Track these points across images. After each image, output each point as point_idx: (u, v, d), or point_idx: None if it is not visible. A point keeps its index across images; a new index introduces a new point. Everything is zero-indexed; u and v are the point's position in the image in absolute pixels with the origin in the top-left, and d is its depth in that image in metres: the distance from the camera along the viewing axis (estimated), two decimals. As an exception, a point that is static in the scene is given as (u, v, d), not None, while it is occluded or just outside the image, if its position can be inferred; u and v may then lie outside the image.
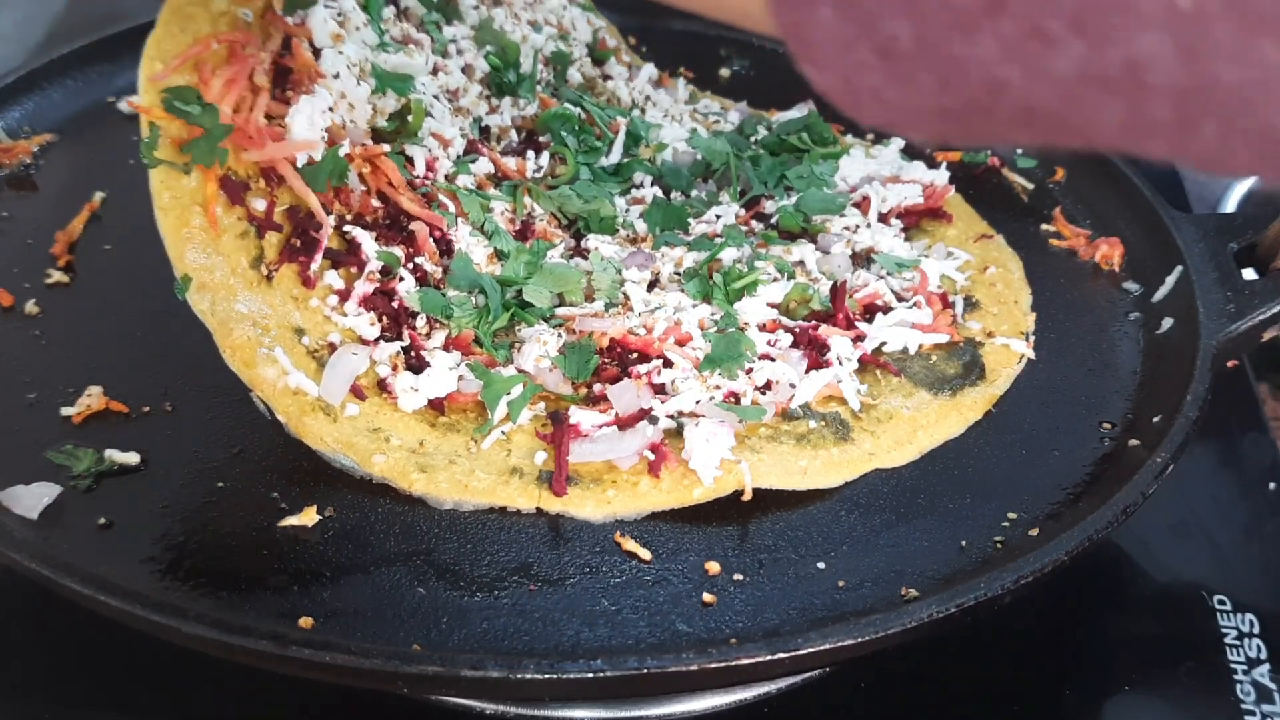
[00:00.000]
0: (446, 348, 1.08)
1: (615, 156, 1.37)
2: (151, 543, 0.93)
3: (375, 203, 1.14)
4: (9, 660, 0.99)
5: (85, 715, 0.96)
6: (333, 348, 1.06)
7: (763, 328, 1.14)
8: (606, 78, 1.53)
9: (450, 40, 1.35)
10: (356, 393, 1.04)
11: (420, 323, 1.09)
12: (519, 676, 0.80)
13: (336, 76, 1.13)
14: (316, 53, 1.14)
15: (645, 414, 1.03)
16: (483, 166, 1.26)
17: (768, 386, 1.08)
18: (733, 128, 1.51)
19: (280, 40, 1.14)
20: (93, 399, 1.05)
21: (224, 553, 0.93)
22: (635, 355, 1.08)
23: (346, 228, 1.13)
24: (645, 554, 0.96)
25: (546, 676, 0.80)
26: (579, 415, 1.03)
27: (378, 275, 1.10)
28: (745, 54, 1.77)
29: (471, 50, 1.37)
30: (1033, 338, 1.23)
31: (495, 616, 0.90)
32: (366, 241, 1.11)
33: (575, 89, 1.45)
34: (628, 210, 1.30)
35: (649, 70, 1.59)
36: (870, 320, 1.18)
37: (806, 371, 1.10)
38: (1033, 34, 0.49)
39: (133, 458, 1.00)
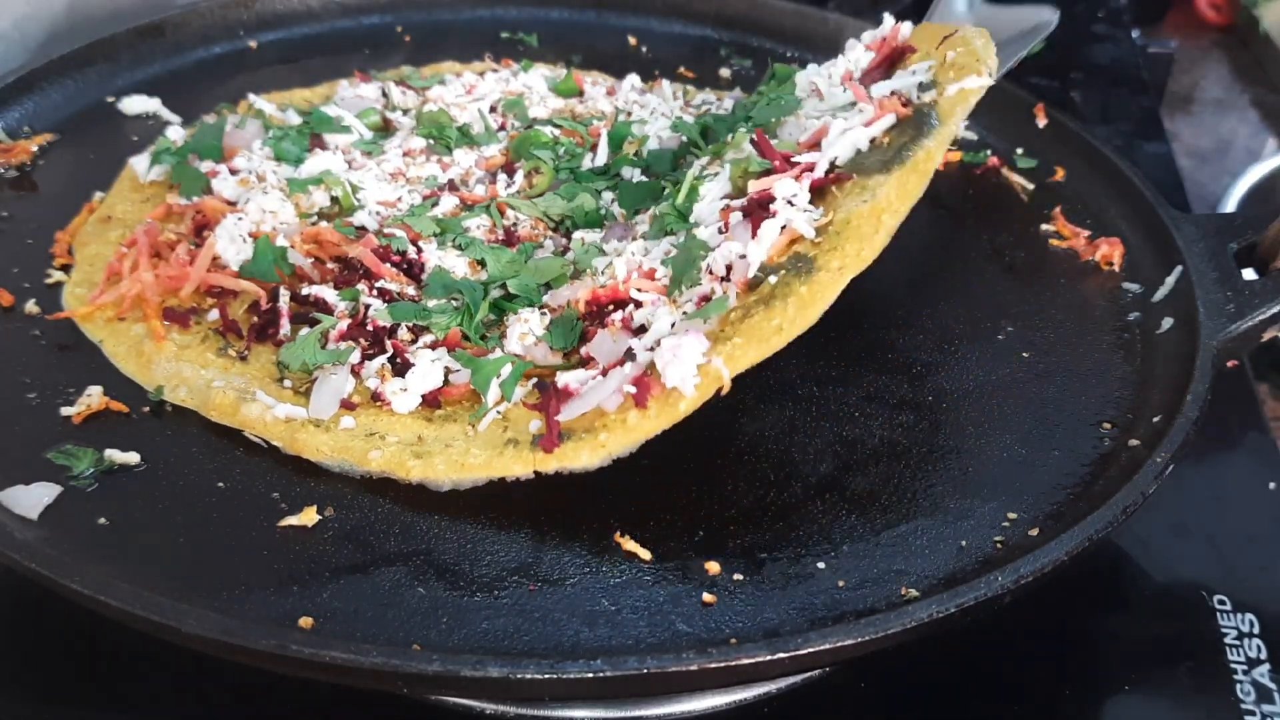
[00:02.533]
0: (434, 349, 1.08)
1: (602, 158, 1.37)
2: (151, 543, 0.93)
3: (331, 265, 1.19)
4: (9, 660, 0.99)
5: (85, 715, 0.96)
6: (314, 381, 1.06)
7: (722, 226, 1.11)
8: (583, 101, 1.54)
9: (393, 146, 1.41)
10: (347, 405, 1.04)
11: (402, 333, 1.10)
12: (519, 676, 0.80)
13: (248, 202, 1.24)
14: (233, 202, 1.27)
15: (632, 355, 1.03)
16: (446, 204, 1.28)
17: (729, 272, 1.06)
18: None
19: (192, 212, 1.25)
20: (93, 399, 1.05)
21: (224, 553, 0.93)
22: (612, 307, 1.08)
23: (306, 291, 1.15)
24: (645, 554, 0.96)
25: (546, 676, 0.80)
26: (566, 377, 1.03)
27: (346, 314, 1.12)
28: (745, 54, 1.77)
29: (406, 139, 1.42)
30: (997, 75, 1.15)
31: (495, 616, 0.90)
32: (327, 293, 1.14)
33: (546, 120, 1.46)
34: (612, 202, 1.30)
35: (631, 79, 1.59)
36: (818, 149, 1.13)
37: (753, 235, 1.07)
38: None
39: (133, 457, 1.00)
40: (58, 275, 1.20)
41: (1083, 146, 1.50)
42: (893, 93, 1.18)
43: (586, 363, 1.06)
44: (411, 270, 1.17)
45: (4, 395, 1.05)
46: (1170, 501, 1.19)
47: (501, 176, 1.35)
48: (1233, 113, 2.34)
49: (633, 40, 1.78)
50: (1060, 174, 1.50)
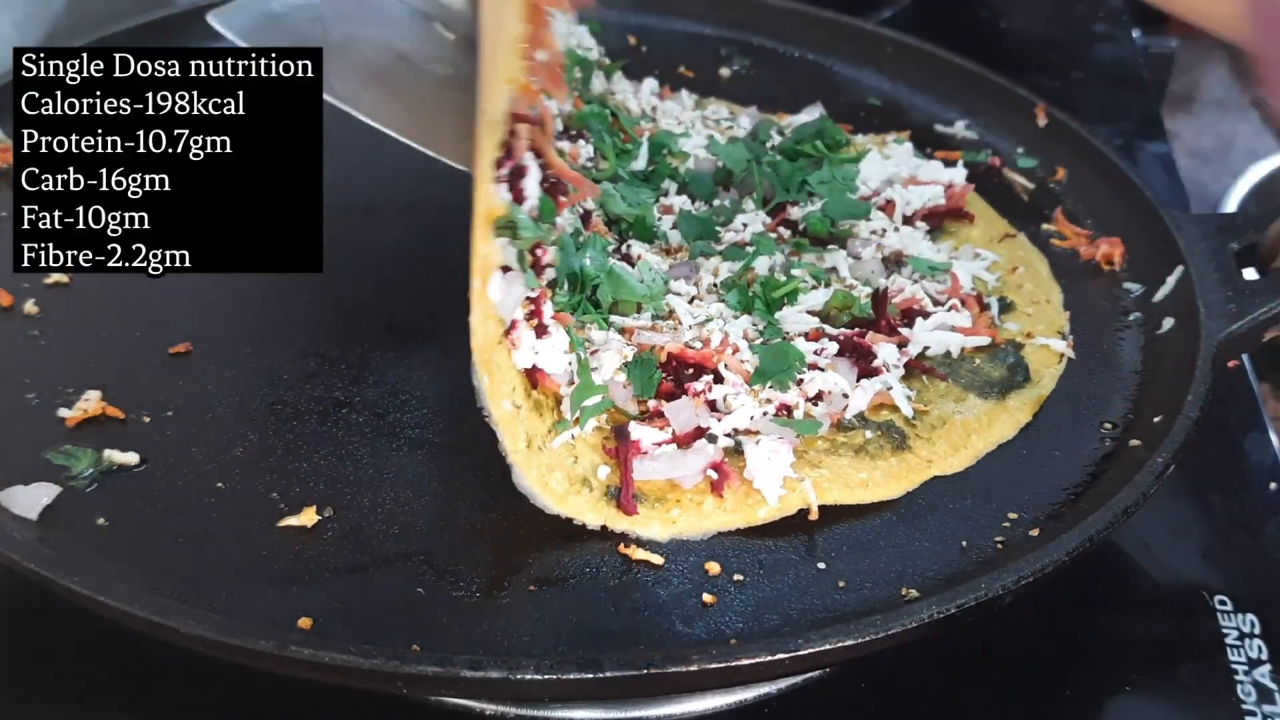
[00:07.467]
0: (556, 319, 1.06)
1: (642, 162, 1.37)
2: (151, 543, 0.93)
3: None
4: (8, 660, 0.99)
5: (85, 715, 0.96)
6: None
7: (807, 337, 1.13)
8: (611, 93, 1.53)
9: None
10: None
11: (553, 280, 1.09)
12: (519, 676, 0.80)
13: None
14: None
15: (702, 432, 1.02)
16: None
17: (819, 398, 1.07)
18: (745, 133, 1.51)
19: None
20: (89, 404, 1.04)
21: (224, 552, 0.93)
22: (691, 370, 1.07)
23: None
24: (645, 555, 0.96)
25: (546, 677, 0.80)
26: (639, 431, 1.01)
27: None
28: (746, 54, 1.77)
29: None
30: (1071, 336, 1.22)
31: (495, 617, 0.90)
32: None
33: (599, 98, 1.45)
34: (660, 219, 1.29)
35: (651, 84, 1.59)
36: (910, 325, 1.18)
37: (857, 380, 1.09)
38: None
39: (132, 458, 1.00)
40: (57, 275, 1.20)
41: (1083, 146, 1.49)
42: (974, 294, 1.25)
43: (654, 415, 1.04)
44: None
45: (4, 395, 1.05)
46: (1170, 501, 1.19)
47: (581, 142, 1.31)
48: (1234, 112, 2.34)
49: (632, 39, 1.77)
50: (1061, 174, 1.50)
